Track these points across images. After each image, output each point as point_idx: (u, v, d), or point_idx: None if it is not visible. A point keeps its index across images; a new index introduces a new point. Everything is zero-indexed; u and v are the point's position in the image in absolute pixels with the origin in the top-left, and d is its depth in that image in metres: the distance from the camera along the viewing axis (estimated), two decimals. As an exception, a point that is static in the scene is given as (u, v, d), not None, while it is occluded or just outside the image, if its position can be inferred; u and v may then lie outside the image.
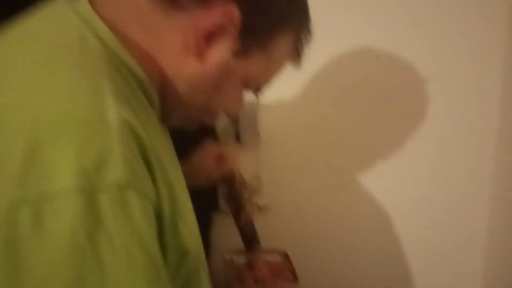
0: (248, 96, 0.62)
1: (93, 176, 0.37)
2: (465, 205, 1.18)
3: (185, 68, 0.52)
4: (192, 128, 0.61)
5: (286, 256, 0.99)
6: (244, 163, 1.03)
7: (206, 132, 1.03)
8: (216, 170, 0.91)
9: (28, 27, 0.49)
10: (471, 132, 1.15)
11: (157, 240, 0.43)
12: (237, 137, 1.08)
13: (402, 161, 1.16)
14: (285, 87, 1.06)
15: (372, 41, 1.12)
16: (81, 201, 0.36)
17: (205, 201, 1.08)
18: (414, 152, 1.16)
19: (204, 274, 0.56)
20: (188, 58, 0.51)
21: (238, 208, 0.91)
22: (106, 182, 0.38)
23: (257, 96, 0.63)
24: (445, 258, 1.21)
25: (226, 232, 1.10)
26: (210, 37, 0.51)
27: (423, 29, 1.11)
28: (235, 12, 0.50)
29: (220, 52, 0.52)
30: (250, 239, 0.92)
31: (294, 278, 0.92)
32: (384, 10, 1.11)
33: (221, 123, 1.07)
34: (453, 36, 1.11)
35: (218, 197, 1.11)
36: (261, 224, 0.95)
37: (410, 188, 1.18)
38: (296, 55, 0.60)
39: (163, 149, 0.50)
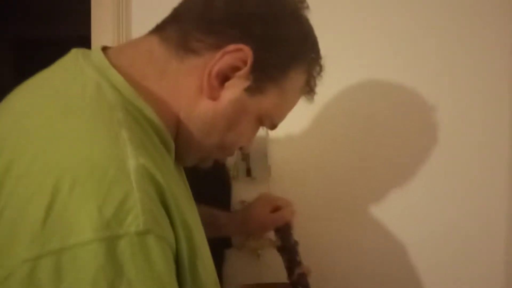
0: (259, 130, 0.63)
1: (114, 226, 0.38)
2: (482, 233, 1.16)
3: (199, 108, 0.53)
4: (207, 167, 0.61)
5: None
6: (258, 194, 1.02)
7: (217, 167, 1.03)
8: (271, 218, 0.91)
9: (44, 78, 0.51)
10: (483, 158, 1.14)
11: (177, 284, 0.43)
12: (248, 172, 1.09)
13: (414, 191, 1.15)
14: (294, 121, 1.06)
15: (380, 73, 1.13)
16: (101, 251, 0.37)
17: (218, 238, 1.07)
18: (426, 181, 1.15)
19: None
20: (202, 100, 0.52)
21: (292, 262, 0.89)
22: (126, 230, 0.38)
23: (273, 129, 0.63)
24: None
25: (238, 268, 1.08)
26: (223, 77, 0.52)
27: (431, 59, 1.12)
28: (247, 52, 0.51)
29: (233, 90, 0.53)
30: None
31: None
32: (392, 42, 1.12)
33: (232, 158, 1.08)
34: (461, 65, 1.12)
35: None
36: (270, 257, 0.93)
37: (422, 219, 1.16)
38: (308, 90, 0.61)
39: (180, 192, 0.50)
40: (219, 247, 1.08)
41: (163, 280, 0.39)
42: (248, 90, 0.53)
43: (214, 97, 0.52)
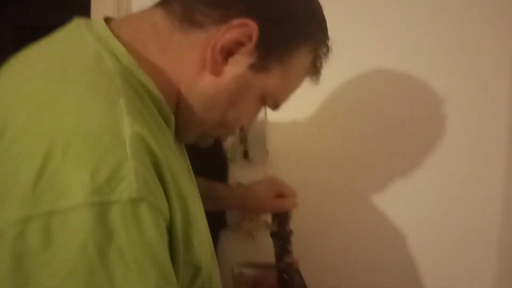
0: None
1: (106, 192, 0.37)
2: (477, 224, 1.17)
3: (201, 83, 0.52)
4: (207, 145, 0.61)
5: (297, 272, 0.99)
6: (252, 180, 1.03)
7: (215, 149, 1.04)
8: (273, 203, 0.91)
9: (44, 45, 0.50)
10: (486, 151, 1.15)
11: (169, 256, 0.42)
12: (245, 154, 1.09)
13: (413, 180, 1.16)
14: (294, 104, 1.06)
15: (382, 61, 1.13)
16: (92, 215, 0.36)
17: (213, 218, 1.08)
18: (426, 171, 1.15)
19: (216, 274, 0.55)
20: (204, 74, 0.52)
21: (283, 250, 0.90)
22: (119, 196, 0.38)
23: (276, 109, 0.61)
24: (456, 276, 1.19)
25: (233, 248, 1.09)
26: (227, 53, 0.52)
27: (440, 48, 1.12)
28: (253, 28, 0.50)
29: (237, 66, 0.52)
30: (287, 282, 0.89)
31: None
32: (400, 30, 1.12)
33: (229, 139, 1.08)
34: (470, 56, 1.12)
35: (225, 214, 1.11)
36: (265, 239, 0.94)
37: (420, 208, 1.17)
38: (314, 71, 0.60)
39: (178, 166, 0.50)
40: (214, 227, 1.09)
41: (154, 249, 0.39)
42: (252, 67, 0.52)
43: (217, 73, 0.52)
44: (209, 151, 1.01)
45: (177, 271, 0.44)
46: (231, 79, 0.52)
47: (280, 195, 0.92)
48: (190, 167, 0.62)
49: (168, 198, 0.43)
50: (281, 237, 0.90)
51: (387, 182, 1.17)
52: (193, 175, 0.61)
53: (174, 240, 0.44)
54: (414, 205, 1.17)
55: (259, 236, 1.09)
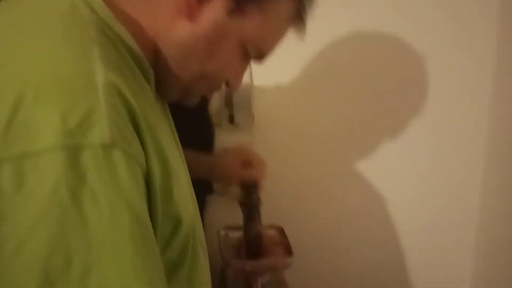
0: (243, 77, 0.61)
1: (77, 135, 0.37)
2: (459, 189, 1.20)
3: (177, 31, 0.51)
4: (193, 103, 0.59)
5: (281, 231, 1.00)
6: (238, 145, 1.03)
7: (200, 113, 1.03)
8: (239, 174, 0.90)
9: None
10: (469, 111, 1.16)
11: (146, 204, 0.42)
12: (231, 119, 1.08)
13: (399, 143, 1.17)
14: (279, 68, 1.05)
15: (368, 21, 1.12)
16: (63, 158, 0.36)
17: (200, 183, 1.08)
18: (412, 133, 1.17)
19: (201, 248, 0.56)
20: (179, 21, 0.50)
21: (250, 218, 0.90)
22: (91, 141, 0.37)
23: (260, 60, 0.59)
24: (439, 237, 1.23)
25: (220, 213, 1.10)
26: None
27: (421, 8, 1.11)
28: None
29: (213, 11, 0.50)
30: (254, 251, 0.90)
31: (289, 252, 0.93)
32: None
33: (215, 104, 1.07)
34: (451, 14, 1.11)
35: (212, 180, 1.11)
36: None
37: (408, 168, 1.19)
38: (298, 20, 0.57)
39: (158, 122, 0.49)
40: (201, 192, 1.09)
41: (128, 193, 0.39)
42: (229, 11, 0.50)
43: (192, 17, 0.50)
44: (195, 116, 1.00)
45: (155, 222, 0.44)
46: (208, 24, 0.51)
47: (248, 164, 0.91)
48: (174, 129, 0.61)
49: (144, 147, 0.43)
50: (248, 206, 0.91)
51: (373, 144, 1.18)
52: (177, 137, 0.60)
53: (152, 189, 0.44)
54: (398, 168, 1.19)
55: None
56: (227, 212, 0.99)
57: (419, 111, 1.15)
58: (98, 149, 0.37)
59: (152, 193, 0.44)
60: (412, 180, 1.19)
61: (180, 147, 0.59)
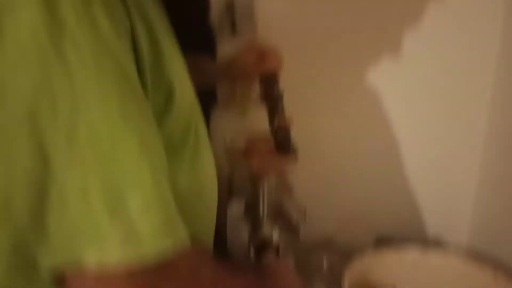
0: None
1: None
2: (462, 121, 1.18)
3: None
4: None
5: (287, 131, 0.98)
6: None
7: (200, 20, 0.99)
8: (256, 68, 0.88)
9: None
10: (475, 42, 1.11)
11: (132, 59, 0.42)
12: (233, 26, 1.03)
13: (403, 70, 1.13)
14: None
15: None
16: (41, 7, 0.36)
17: (204, 95, 1.06)
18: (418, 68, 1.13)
19: (205, 148, 0.55)
20: None
21: (273, 110, 0.88)
22: None
23: None
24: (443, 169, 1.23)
25: (225, 125, 1.10)
26: None
27: None
28: None
29: None
30: (282, 143, 0.88)
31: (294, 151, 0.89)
32: None
33: (216, 11, 1.02)
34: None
35: (216, 90, 1.09)
36: (257, 114, 0.92)
37: (416, 79, 1.16)
38: None
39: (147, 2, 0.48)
40: (206, 104, 1.08)
41: (112, 46, 0.39)
42: None
43: None
44: (196, 24, 0.96)
45: (144, 89, 0.44)
46: None
47: (262, 56, 0.89)
48: (169, 28, 0.58)
49: (127, 9, 0.42)
50: (270, 99, 0.89)
51: (381, 55, 1.14)
52: (171, 33, 0.58)
53: (138, 57, 0.44)
54: (406, 81, 1.16)
55: (251, 113, 1.09)
56: (233, 124, 0.98)
57: (430, 18, 1.10)
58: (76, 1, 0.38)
59: (139, 61, 0.44)
60: (422, 91, 1.17)
61: (174, 39, 0.56)
